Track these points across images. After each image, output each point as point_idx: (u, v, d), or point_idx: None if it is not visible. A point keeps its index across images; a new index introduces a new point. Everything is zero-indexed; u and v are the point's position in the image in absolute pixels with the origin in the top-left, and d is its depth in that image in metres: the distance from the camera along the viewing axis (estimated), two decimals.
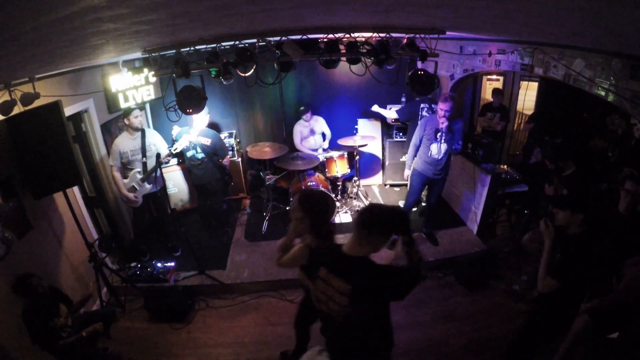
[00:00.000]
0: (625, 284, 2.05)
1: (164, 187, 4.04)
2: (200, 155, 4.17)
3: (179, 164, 5.04)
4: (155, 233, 4.29)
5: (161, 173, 3.81)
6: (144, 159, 3.71)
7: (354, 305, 1.53)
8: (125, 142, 3.69)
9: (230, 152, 5.00)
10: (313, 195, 2.07)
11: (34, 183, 2.67)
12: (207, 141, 4.17)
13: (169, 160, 3.76)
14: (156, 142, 3.88)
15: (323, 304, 1.79)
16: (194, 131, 4.14)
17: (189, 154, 4.20)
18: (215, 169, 4.32)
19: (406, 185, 5.19)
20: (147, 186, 3.77)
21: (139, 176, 3.71)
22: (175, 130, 4.31)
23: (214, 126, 5.01)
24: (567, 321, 2.31)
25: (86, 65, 3.44)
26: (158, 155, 3.63)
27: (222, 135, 4.98)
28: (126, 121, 3.66)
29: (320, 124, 5.24)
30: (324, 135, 5.34)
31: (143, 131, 3.78)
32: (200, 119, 4.18)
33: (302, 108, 5.03)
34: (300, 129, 5.10)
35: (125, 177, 3.70)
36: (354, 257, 1.71)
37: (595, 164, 3.56)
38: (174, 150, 3.79)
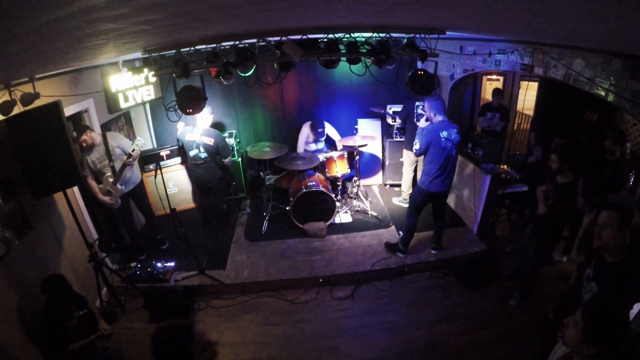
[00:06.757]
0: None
1: (140, 185, 4.01)
2: (204, 155, 4.19)
3: (180, 163, 5.05)
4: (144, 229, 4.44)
5: (134, 170, 3.91)
6: (111, 163, 3.69)
7: None
8: (90, 153, 3.63)
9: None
10: None
11: (34, 183, 2.66)
12: (210, 141, 4.18)
13: (131, 163, 3.70)
14: (119, 144, 3.75)
15: None
16: (197, 130, 4.16)
17: (192, 153, 4.21)
18: (217, 169, 4.34)
19: None
20: (120, 187, 3.75)
21: (111, 180, 3.69)
22: (180, 128, 4.33)
23: (217, 126, 5.01)
24: None
25: (86, 66, 3.44)
26: (129, 156, 3.62)
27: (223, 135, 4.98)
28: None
29: (327, 130, 5.24)
30: (327, 139, 5.33)
31: (105, 136, 3.68)
32: (204, 119, 4.19)
33: (319, 130, 4.96)
34: (307, 132, 5.09)
35: (100, 182, 3.69)
36: None
37: (607, 173, 3.28)
38: (132, 150, 3.67)
